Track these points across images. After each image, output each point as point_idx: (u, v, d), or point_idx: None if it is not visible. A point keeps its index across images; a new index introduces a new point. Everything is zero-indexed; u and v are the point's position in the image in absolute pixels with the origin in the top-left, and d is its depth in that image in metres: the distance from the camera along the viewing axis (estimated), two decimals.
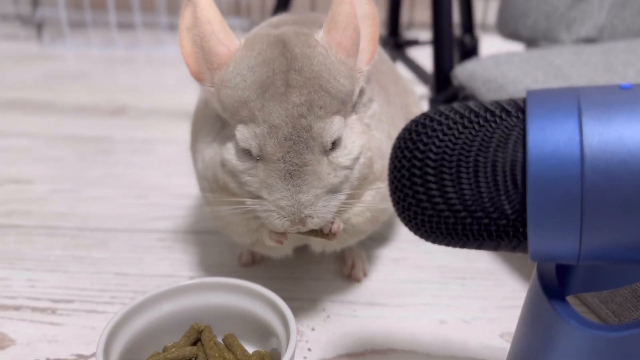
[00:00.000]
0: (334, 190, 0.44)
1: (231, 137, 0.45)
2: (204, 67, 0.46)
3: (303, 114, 0.42)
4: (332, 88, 0.43)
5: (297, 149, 0.42)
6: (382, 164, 0.48)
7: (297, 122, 0.42)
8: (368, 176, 0.47)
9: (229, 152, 0.45)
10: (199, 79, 0.47)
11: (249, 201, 0.45)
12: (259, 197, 0.44)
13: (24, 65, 1.39)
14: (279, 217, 0.43)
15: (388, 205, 0.50)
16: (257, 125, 0.43)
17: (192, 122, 0.55)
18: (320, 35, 0.45)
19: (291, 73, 0.43)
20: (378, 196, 0.49)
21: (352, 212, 0.48)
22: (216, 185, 0.48)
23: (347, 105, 0.45)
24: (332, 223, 0.46)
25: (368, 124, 0.48)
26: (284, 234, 0.47)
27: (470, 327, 0.53)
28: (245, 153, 0.44)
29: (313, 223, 0.43)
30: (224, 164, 0.46)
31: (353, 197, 0.46)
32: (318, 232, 0.46)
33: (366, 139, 0.46)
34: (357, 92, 0.46)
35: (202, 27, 0.44)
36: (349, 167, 0.45)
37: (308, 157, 0.42)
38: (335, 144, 0.44)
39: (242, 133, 0.43)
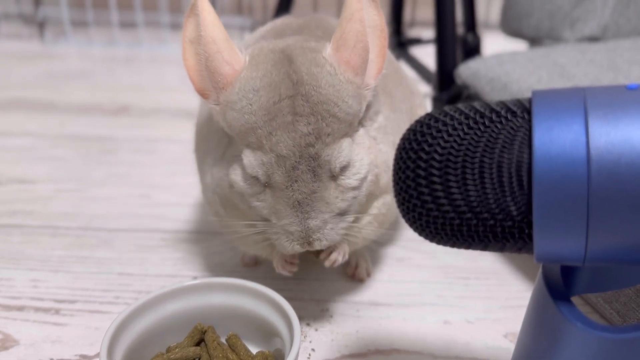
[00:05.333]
0: (342, 213, 0.44)
1: (238, 157, 0.45)
2: (209, 85, 0.45)
3: (311, 143, 0.42)
4: (339, 112, 0.43)
5: (305, 177, 0.42)
6: (388, 177, 0.48)
7: (304, 152, 0.42)
8: (374, 191, 0.47)
9: (237, 175, 0.45)
10: (204, 95, 0.46)
11: (259, 224, 0.45)
12: (268, 220, 0.45)
13: (27, 64, 1.39)
14: (288, 241, 0.43)
15: (393, 214, 0.51)
16: (264, 154, 0.42)
17: (197, 128, 0.55)
18: (327, 52, 0.44)
19: (298, 99, 0.42)
20: (384, 207, 0.49)
21: (363, 223, 0.48)
22: (227, 204, 0.48)
23: (354, 125, 0.45)
24: (335, 251, 0.47)
25: (375, 137, 0.48)
26: (294, 263, 0.49)
27: (474, 328, 0.53)
28: (253, 178, 0.44)
29: (322, 245, 0.44)
30: (232, 185, 0.46)
31: (360, 211, 0.47)
32: (320, 252, 0.48)
33: (373, 156, 0.46)
34: (364, 109, 0.46)
35: (206, 46, 0.43)
36: (357, 188, 0.45)
37: (316, 185, 0.42)
38: (343, 168, 0.44)
39: (249, 160, 0.43)
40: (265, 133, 0.42)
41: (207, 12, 0.43)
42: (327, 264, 0.47)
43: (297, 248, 0.43)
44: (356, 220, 0.47)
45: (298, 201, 0.42)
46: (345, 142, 0.44)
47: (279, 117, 0.42)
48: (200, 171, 0.54)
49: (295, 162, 0.42)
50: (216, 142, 0.49)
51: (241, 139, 0.44)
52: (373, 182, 0.46)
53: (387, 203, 0.49)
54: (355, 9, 0.43)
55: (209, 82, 0.45)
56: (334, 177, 0.43)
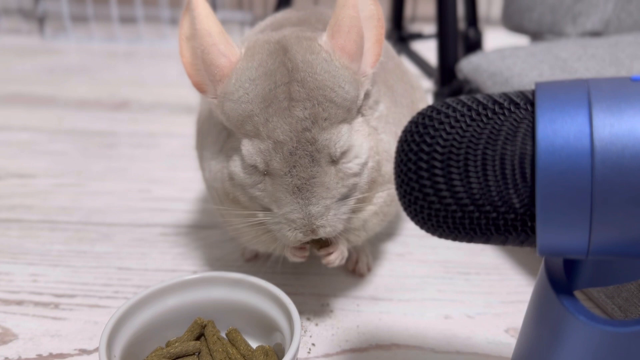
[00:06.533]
0: (343, 198, 0.44)
1: (237, 148, 0.45)
2: (206, 79, 0.45)
3: (307, 128, 0.42)
4: (336, 97, 0.43)
5: (303, 162, 0.42)
6: (391, 167, 0.48)
7: (301, 136, 0.42)
8: (377, 179, 0.47)
9: (236, 166, 0.45)
10: (201, 90, 0.46)
11: (259, 214, 0.45)
12: (269, 209, 0.44)
13: (26, 59, 1.38)
14: (290, 230, 0.43)
15: (398, 206, 0.51)
16: (261, 141, 0.42)
17: (197, 123, 0.55)
18: (323, 40, 0.44)
19: (293, 85, 0.42)
20: (389, 198, 0.49)
21: (367, 214, 0.48)
22: (225, 197, 0.48)
23: (353, 111, 0.45)
24: (333, 253, 0.47)
25: (375, 127, 0.47)
26: (305, 248, 0.48)
27: (475, 322, 0.52)
28: (252, 167, 0.44)
29: (325, 232, 0.43)
30: (231, 177, 0.45)
31: (363, 200, 0.46)
32: (323, 243, 0.47)
33: (374, 142, 0.46)
34: (362, 96, 0.46)
35: (202, 39, 0.43)
36: (358, 174, 0.44)
37: (315, 169, 0.42)
38: (343, 153, 0.44)
39: (247, 149, 0.43)
40: (262, 120, 0.42)
41: (201, 7, 0.44)
42: (323, 262, 0.47)
43: (301, 237, 0.43)
44: (361, 211, 0.47)
45: (297, 187, 0.42)
46: (344, 128, 0.43)
47: (275, 103, 0.42)
48: (201, 168, 0.54)
49: (293, 147, 0.42)
50: (215, 137, 0.49)
51: (239, 129, 0.44)
52: (374, 169, 0.46)
53: (391, 194, 0.49)
54: None
55: (206, 76, 0.45)
56: (333, 162, 0.43)
